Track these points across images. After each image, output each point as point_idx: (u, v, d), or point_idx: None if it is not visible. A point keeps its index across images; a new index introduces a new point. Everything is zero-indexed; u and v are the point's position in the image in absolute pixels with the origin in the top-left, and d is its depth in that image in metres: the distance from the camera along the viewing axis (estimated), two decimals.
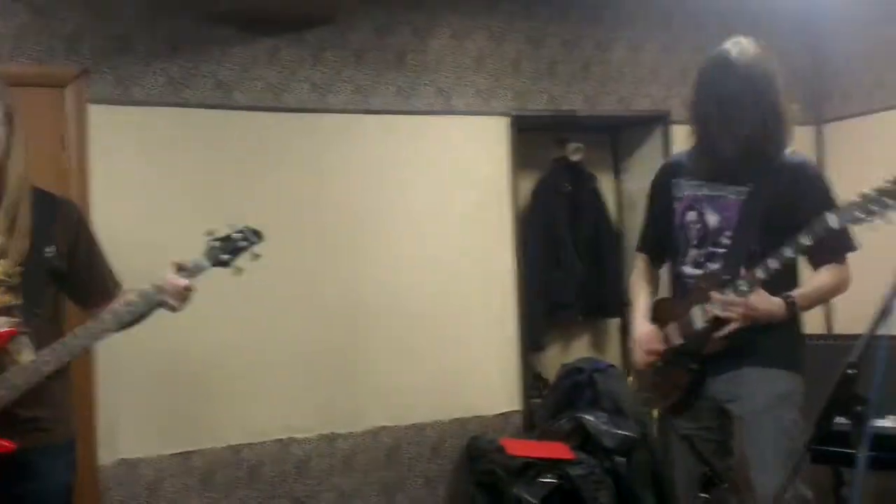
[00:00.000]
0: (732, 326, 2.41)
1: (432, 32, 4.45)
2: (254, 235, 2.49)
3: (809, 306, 2.54)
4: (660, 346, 2.71)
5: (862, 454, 1.63)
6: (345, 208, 4.26)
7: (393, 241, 4.34)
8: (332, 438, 4.19)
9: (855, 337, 1.76)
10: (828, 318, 5.05)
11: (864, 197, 2.16)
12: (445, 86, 4.47)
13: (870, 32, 4.85)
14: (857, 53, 4.94)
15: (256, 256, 2.49)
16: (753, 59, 2.62)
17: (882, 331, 1.65)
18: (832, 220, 2.25)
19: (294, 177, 4.17)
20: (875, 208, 2.14)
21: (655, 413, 2.97)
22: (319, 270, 4.20)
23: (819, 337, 4.40)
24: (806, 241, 2.34)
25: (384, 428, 4.29)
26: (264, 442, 4.06)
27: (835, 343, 4.19)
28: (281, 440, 4.09)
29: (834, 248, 2.46)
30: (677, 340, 2.70)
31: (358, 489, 4.24)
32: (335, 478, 4.19)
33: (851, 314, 1.98)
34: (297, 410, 4.13)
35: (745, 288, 2.45)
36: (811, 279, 2.54)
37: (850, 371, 1.67)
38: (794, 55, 5.03)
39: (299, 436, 4.13)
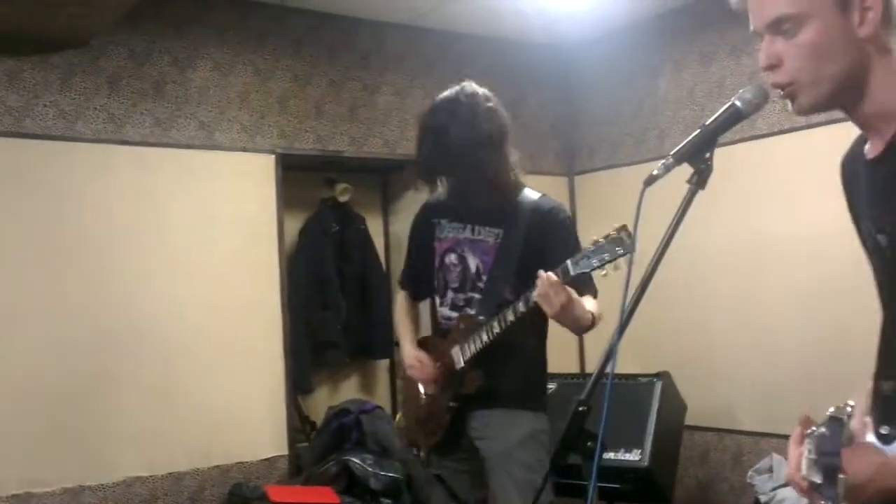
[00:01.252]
0: (549, 312, 2.36)
1: (194, 64, 4.32)
2: None
3: (595, 324, 2.54)
4: (431, 363, 2.72)
5: (591, 486, 1.69)
6: (96, 243, 4.02)
7: (150, 279, 4.13)
8: (77, 492, 3.89)
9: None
10: (581, 359, 5.35)
11: (596, 245, 2.27)
12: (208, 119, 4.35)
13: (615, 93, 5.27)
14: (603, 112, 5.34)
15: None
16: (475, 102, 2.71)
17: (609, 369, 1.72)
18: (571, 268, 2.34)
19: (36, 208, 3.88)
20: (606, 256, 2.26)
21: (422, 453, 2.98)
22: (64, 307, 3.92)
23: (573, 376, 4.65)
24: (533, 297, 2.40)
25: (138, 478, 4.04)
26: None
27: (584, 382, 4.43)
28: (18, 496, 3.74)
29: (587, 285, 2.56)
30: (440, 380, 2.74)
31: None
32: None
33: (600, 355, 2.09)
34: (36, 461, 3.80)
35: (522, 308, 2.48)
36: (586, 302, 2.54)
37: (580, 408, 1.74)
38: (552, 109, 5.36)
39: (39, 490, 3.80)
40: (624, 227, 2.23)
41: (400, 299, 3.03)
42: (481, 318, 2.61)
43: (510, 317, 2.51)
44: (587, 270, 2.31)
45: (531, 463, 2.60)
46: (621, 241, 2.23)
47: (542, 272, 2.36)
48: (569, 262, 2.34)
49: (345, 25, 4.76)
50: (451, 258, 2.76)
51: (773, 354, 4.42)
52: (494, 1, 4.57)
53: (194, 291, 4.23)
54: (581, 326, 2.50)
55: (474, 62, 5.04)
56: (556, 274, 2.38)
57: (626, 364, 3.75)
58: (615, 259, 2.24)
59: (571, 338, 2.76)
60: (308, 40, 4.66)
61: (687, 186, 1.67)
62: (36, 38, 3.80)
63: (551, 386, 4.24)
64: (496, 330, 2.54)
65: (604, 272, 2.28)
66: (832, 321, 4.17)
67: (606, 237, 2.25)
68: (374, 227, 5.28)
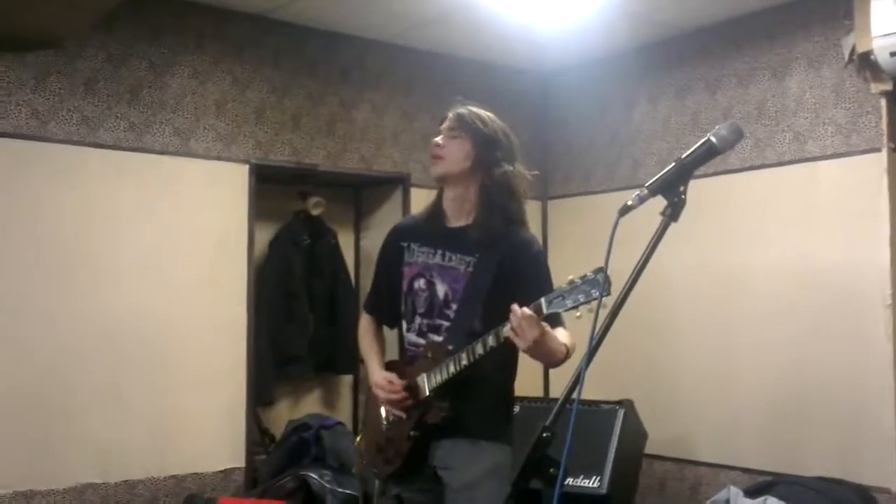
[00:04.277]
0: (521, 346, 2.32)
1: (171, 70, 4.30)
2: None
3: (569, 357, 2.49)
4: (401, 384, 2.62)
5: None
6: (62, 245, 3.97)
7: (113, 284, 4.08)
8: (29, 496, 3.81)
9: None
10: (546, 383, 5.36)
11: (571, 285, 2.23)
12: (183, 126, 4.32)
13: (591, 121, 5.32)
14: (579, 138, 5.39)
15: None
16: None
17: (575, 395, 1.73)
18: (544, 306, 2.28)
19: (1, 207, 3.83)
20: (581, 298, 2.21)
21: (378, 479, 2.90)
22: (22, 309, 3.86)
23: (537, 399, 4.65)
24: (505, 331, 2.36)
25: (91, 485, 3.97)
26: None
27: (548, 406, 4.44)
28: None
29: (557, 319, 2.49)
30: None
31: None
32: None
33: (566, 380, 2.08)
34: None
35: (492, 342, 2.43)
36: (558, 334, 2.49)
37: (544, 434, 1.74)
38: (529, 133, 5.39)
39: None
40: (601, 270, 2.14)
41: (364, 322, 2.93)
42: (450, 347, 2.55)
43: (479, 350, 2.45)
44: (560, 311, 2.27)
45: (493, 498, 2.55)
46: (597, 283, 2.17)
47: (515, 306, 2.31)
48: (543, 300, 2.29)
49: (326, 40, 4.77)
50: (420, 283, 2.70)
51: (736, 387, 4.46)
52: (478, 24, 4.60)
53: (159, 298, 4.19)
54: (555, 360, 2.44)
55: (453, 83, 5.07)
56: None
57: (589, 390, 3.74)
58: (590, 301, 2.19)
59: (536, 362, 2.73)
60: (288, 52, 4.66)
61: (659, 218, 1.70)
62: (11, 37, 3.76)
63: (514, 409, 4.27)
64: (464, 362, 2.48)
65: (578, 313, 2.23)
66: (795, 357, 4.23)
67: (583, 278, 2.21)
68: (346, 241, 5.26)
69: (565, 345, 2.45)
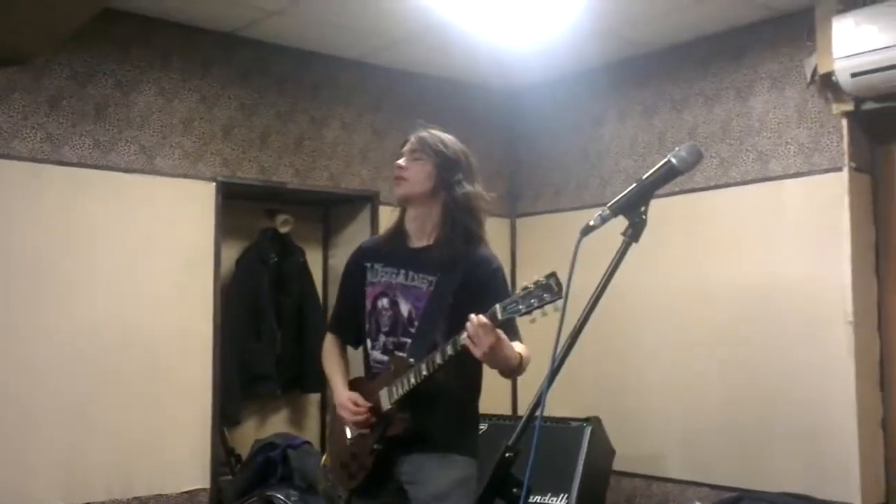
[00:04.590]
0: (477, 353, 2.37)
1: (138, 87, 4.28)
2: None
3: (524, 367, 2.57)
4: (366, 404, 2.66)
5: None
6: (25, 263, 3.92)
7: (78, 302, 4.04)
8: None
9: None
10: (514, 401, 5.36)
11: (525, 291, 2.28)
12: (149, 144, 4.29)
13: (561, 138, 5.35)
14: (548, 156, 5.42)
15: None
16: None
17: (538, 413, 1.73)
18: (499, 312, 2.35)
19: None
20: (534, 303, 2.27)
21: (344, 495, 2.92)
22: None
23: (505, 417, 4.66)
24: (462, 339, 2.42)
25: None
26: None
27: (515, 424, 4.44)
28: None
29: (513, 330, 2.56)
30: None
31: None
32: None
33: (531, 398, 2.10)
34: None
35: (450, 351, 2.48)
36: (513, 346, 2.54)
37: (507, 454, 1.74)
38: (499, 150, 5.44)
39: None
40: (553, 275, 2.24)
41: (328, 342, 2.96)
42: (411, 360, 2.59)
43: (438, 360, 2.50)
44: (515, 316, 2.32)
45: None
46: (550, 288, 2.24)
47: (472, 315, 2.38)
48: (497, 306, 2.35)
49: (295, 57, 4.77)
50: (383, 302, 2.75)
51: (702, 404, 4.49)
52: (448, 43, 4.63)
53: (124, 317, 4.15)
54: (510, 367, 2.51)
55: (423, 101, 5.09)
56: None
57: (557, 407, 3.77)
58: (543, 305, 2.25)
59: (504, 379, 2.75)
60: (257, 70, 4.65)
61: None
62: None
63: (482, 426, 4.27)
64: (424, 373, 2.53)
65: (531, 318, 2.29)
66: (759, 373, 4.26)
67: (536, 283, 2.26)
68: (314, 259, 5.25)
69: (520, 354, 2.51)
